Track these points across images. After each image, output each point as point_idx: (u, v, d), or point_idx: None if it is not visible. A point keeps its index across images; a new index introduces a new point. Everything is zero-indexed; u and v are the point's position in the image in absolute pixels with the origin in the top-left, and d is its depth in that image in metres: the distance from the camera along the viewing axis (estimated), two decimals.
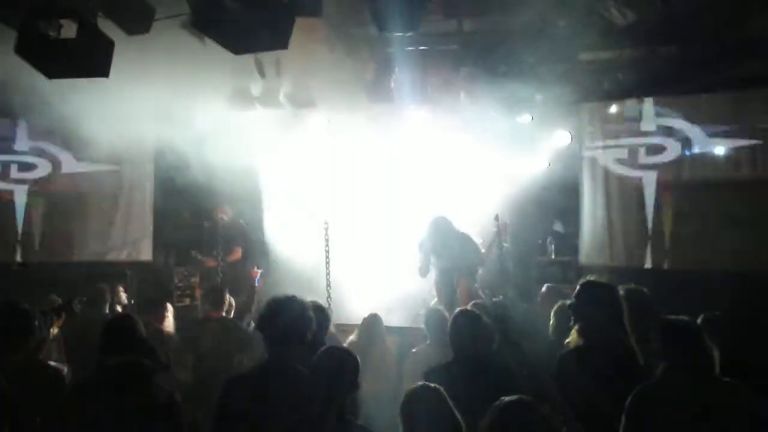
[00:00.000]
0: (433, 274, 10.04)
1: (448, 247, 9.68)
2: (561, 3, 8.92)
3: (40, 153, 11.87)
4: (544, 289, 8.93)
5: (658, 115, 10.63)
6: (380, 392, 6.76)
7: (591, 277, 5.43)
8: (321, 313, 6.25)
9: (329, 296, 10.41)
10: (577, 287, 5.26)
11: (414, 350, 6.95)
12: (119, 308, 9.31)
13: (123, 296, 9.65)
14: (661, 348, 4.45)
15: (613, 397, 4.45)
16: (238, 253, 11.86)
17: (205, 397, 5.37)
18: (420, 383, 4.41)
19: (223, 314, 8.48)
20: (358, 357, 4.35)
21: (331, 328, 8.67)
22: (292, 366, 4.48)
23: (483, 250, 10.10)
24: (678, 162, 10.48)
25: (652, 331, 4.65)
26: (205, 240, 11.98)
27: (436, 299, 10.17)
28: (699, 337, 4.41)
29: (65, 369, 6.03)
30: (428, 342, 6.94)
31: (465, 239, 9.90)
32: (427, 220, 9.89)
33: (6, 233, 11.71)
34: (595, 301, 5.03)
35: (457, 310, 6.06)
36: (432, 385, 4.23)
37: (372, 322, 7.63)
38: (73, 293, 8.21)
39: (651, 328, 4.75)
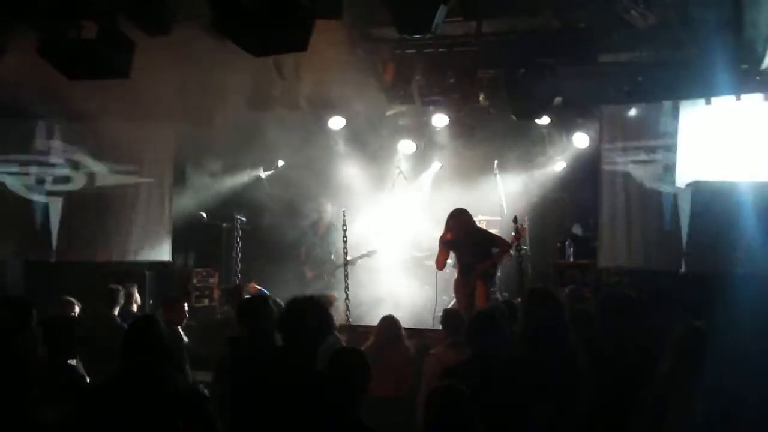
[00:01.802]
0: (451, 273, 10.00)
1: (468, 242, 9.60)
2: (581, 5, 8.89)
3: (60, 153, 11.91)
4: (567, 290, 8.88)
5: (675, 116, 10.60)
6: (398, 394, 6.79)
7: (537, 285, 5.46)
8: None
9: (347, 298, 10.40)
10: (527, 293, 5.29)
11: (432, 351, 6.94)
12: (135, 309, 9.34)
13: (138, 297, 9.67)
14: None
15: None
16: None
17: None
18: (444, 382, 4.41)
19: None
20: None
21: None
22: (310, 366, 4.50)
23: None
24: (694, 163, 10.43)
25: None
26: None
27: (454, 301, 10.16)
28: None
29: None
30: (447, 343, 6.93)
31: (485, 235, 9.83)
32: (449, 213, 9.78)
33: (25, 233, 11.76)
34: (540, 308, 5.01)
35: (476, 311, 6.04)
36: (455, 384, 4.23)
37: (389, 323, 7.60)
38: (91, 294, 8.31)
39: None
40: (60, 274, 11.02)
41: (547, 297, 5.18)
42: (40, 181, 11.85)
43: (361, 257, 11.63)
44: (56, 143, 11.86)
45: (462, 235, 9.57)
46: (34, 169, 11.84)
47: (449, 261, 10.39)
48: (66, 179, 11.92)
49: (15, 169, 11.74)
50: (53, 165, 11.86)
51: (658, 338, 4.97)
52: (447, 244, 9.71)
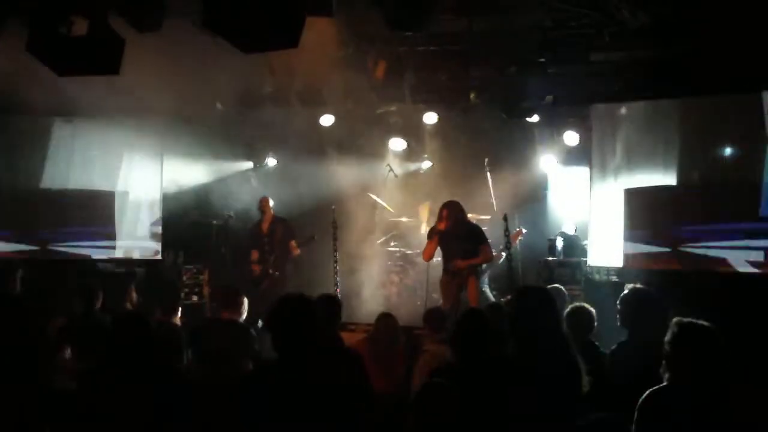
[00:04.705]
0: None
1: (457, 235, 9.49)
2: (572, 3, 8.90)
3: (51, 148, 11.88)
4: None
5: (666, 115, 10.61)
6: (390, 391, 6.78)
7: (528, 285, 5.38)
8: (332, 305, 6.30)
9: (337, 294, 10.38)
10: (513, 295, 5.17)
11: (425, 348, 6.93)
12: (129, 306, 9.29)
13: (134, 295, 9.61)
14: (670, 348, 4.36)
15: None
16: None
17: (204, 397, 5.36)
18: (433, 380, 4.41)
19: (235, 316, 8.38)
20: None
21: None
22: (301, 364, 4.48)
23: (493, 250, 9.92)
24: (687, 162, 10.44)
25: (657, 331, 4.61)
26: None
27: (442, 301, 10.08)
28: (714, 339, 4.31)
29: None
30: (437, 339, 6.91)
31: (475, 232, 9.69)
32: (443, 204, 9.65)
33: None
34: (534, 309, 4.93)
35: (466, 310, 6.03)
36: (444, 382, 4.23)
37: (385, 321, 7.57)
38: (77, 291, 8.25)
39: (656, 328, 4.74)
40: (49, 272, 10.97)
41: (540, 295, 5.15)
42: None
43: (302, 245, 11.53)
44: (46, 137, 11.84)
45: (454, 226, 9.47)
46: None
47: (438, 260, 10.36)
48: (56, 173, 11.90)
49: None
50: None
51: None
52: (438, 234, 9.56)
